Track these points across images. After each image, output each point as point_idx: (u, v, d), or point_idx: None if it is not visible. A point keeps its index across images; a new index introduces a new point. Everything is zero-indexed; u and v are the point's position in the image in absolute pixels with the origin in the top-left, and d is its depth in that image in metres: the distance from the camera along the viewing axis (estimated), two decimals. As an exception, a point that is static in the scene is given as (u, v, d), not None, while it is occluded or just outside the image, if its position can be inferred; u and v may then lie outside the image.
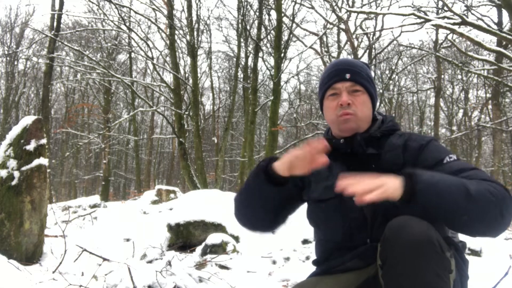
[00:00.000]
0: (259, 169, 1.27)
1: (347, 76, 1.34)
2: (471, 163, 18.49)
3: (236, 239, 4.78)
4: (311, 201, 1.36)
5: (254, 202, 1.31)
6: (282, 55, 13.57)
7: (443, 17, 7.76)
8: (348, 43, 13.77)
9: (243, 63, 16.93)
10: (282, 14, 13.55)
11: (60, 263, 3.07)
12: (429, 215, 1.06)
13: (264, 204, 1.30)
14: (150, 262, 3.82)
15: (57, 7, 13.24)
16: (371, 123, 1.38)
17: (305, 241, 4.64)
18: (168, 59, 14.99)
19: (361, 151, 1.29)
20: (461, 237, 1.33)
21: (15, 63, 22.78)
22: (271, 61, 14.99)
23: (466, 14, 9.18)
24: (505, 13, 10.29)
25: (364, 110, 1.33)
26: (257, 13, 14.88)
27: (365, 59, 16.47)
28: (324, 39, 16.88)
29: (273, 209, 1.32)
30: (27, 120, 3.53)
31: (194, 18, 14.23)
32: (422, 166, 1.20)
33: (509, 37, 7.36)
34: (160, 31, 14.27)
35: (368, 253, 1.18)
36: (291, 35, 14.83)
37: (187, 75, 15.65)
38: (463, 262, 1.19)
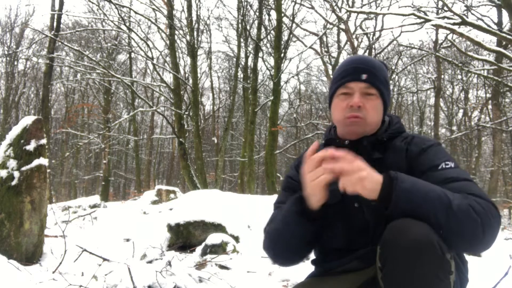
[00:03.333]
0: (297, 214, 1.19)
1: (364, 77, 1.26)
2: (471, 163, 18.48)
3: (236, 239, 4.78)
4: None
5: (297, 245, 1.25)
6: (282, 55, 13.58)
7: (443, 17, 7.76)
8: (348, 43, 13.76)
9: (243, 63, 16.94)
10: (282, 14, 13.57)
11: (60, 263, 3.07)
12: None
13: (304, 242, 1.25)
14: (150, 262, 3.82)
15: (57, 7, 13.25)
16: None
17: (305, 241, 4.63)
18: (168, 59, 15.00)
19: (367, 156, 1.23)
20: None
21: (15, 63, 22.81)
22: (271, 61, 15.03)
23: (466, 14, 9.19)
24: (505, 13, 10.29)
25: (374, 115, 1.27)
26: (257, 13, 14.90)
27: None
28: (324, 39, 16.90)
29: (310, 242, 1.27)
30: (27, 120, 3.52)
31: (194, 18, 14.25)
32: (418, 170, 1.18)
33: (509, 37, 7.36)
34: (160, 31, 14.28)
35: (368, 255, 1.17)
36: (291, 35, 14.85)
37: (187, 75, 15.66)
38: (462, 263, 1.18)
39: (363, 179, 1.04)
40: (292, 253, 1.28)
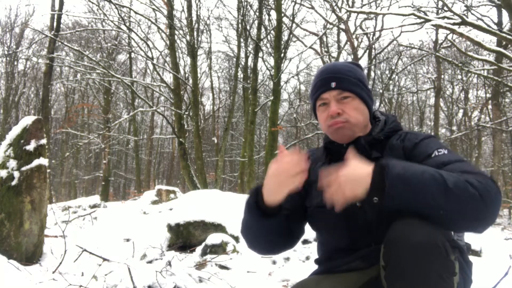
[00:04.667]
0: (250, 207, 1.26)
1: (333, 84, 1.30)
2: (471, 163, 18.41)
3: (236, 239, 4.78)
4: (313, 207, 1.33)
5: (262, 237, 1.31)
6: (282, 55, 13.57)
7: (443, 17, 7.75)
8: (348, 43, 13.77)
9: (243, 63, 16.94)
10: (282, 14, 13.56)
11: (60, 263, 3.07)
12: (404, 210, 1.03)
13: (272, 236, 1.29)
14: (150, 262, 3.82)
15: (57, 7, 13.25)
16: (372, 125, 1.35)
17: (305, 241, 4.63)
18: (168, 59, 15.00)
19: (366, 155, 1.23)
20: (465, 238, 1.33)
21: (15, 63, 22.79)
22: (271, 61, 15.01)
23: (466, 14, 9.19)
24: (505, 13, 10.29)
25: (356, 115, 1.29)
26: (257, 13, 14.88)
27: (365, 59, 16.50)
28: (324, 39, 16.89)
29: (284, 233, 1.31)
30: (27, 120, 3.52)
31: (194, 18, 14.24)
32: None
33: (509, 37, 7.36)
34: (160, 31, 14.28)
35: (371, 255, 1.17)
36: (291, 35, 14.84)
37: (187, 75, 15.65)
38: (466, 265, 1.18)
39: (343, 185, 1.05)
40: (264, 244, 1.34)
